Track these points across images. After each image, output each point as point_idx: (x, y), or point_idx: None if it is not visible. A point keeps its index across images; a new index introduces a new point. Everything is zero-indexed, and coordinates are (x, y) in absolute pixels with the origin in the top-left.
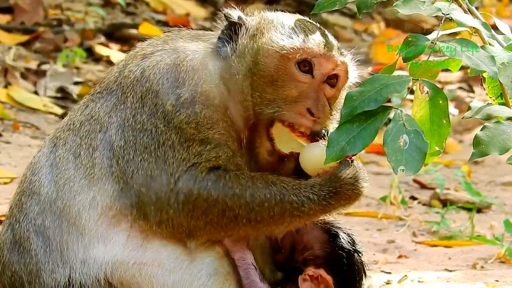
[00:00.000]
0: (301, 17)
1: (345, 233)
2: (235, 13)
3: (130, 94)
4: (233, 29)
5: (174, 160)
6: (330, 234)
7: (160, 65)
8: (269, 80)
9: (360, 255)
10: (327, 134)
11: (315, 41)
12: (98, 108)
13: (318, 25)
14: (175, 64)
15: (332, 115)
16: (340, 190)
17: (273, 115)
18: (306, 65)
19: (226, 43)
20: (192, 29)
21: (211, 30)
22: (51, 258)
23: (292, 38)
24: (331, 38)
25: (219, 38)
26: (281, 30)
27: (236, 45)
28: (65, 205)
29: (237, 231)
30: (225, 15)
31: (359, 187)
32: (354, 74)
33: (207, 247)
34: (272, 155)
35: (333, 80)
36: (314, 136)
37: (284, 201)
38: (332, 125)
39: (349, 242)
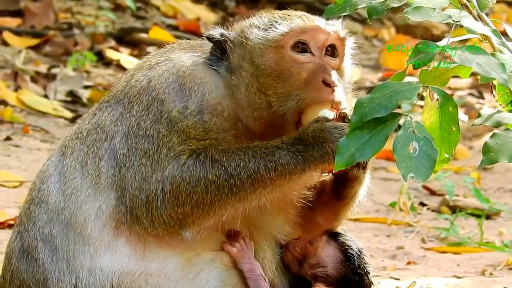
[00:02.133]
0: (276, 11)
1: (357, 252)
2: (216, 32)
3: (136, 103)
4: (220, 47)
5: (166, 158)
6: (346, 255)
7: (166, 74)
8: (275, 76)
9: (369, 276)
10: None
11: (299, 20)
12: (105, 117)
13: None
14: (180, 75)
15: (343, 86)
16: (307, 146)
17: (297, 105)
18: (301, 46)
19: (219, 62)
20: (201, 34)
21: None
22: (58, 266)
23: (277, 28)
24: (313, 16)
25: (209, 59)
26: (263, 26)
27: (229, 60)
28: (72, 214)
29: (225, 208)
30: (207, 38)
31: (324, 145)
32: (350, 41)
33: (213, 258)
34: None
35: (331, 51)
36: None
37: (256, 158)
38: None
39: (360, 263)
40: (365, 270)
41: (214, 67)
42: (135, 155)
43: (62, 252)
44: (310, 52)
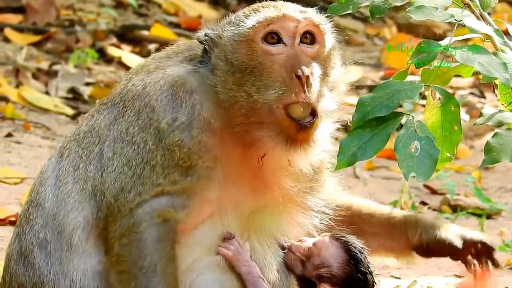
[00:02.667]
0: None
1: (360, 251)
2: (202, 33)
3: (129, 108)
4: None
5: (149, 181)
6: (350, 254)
7: (161, 82)
8: (250, 70)
9: (372, 275)
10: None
11: (266, 11)
12: (100, 120)
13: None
14: (173, 84)
15: (327, 75)
16: None
17: (277, 97)
18: (273, 37)
19: (206, 63)
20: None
21: None
22: (53, 270)
23: (245, 22)
24: (283, 4)
25: (199, 61)
26: (235, 21)
27: (210, 60)
28: (61, 221)
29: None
30: (197, 39)
31: None
32: (328, 26)
33: (210, 262)
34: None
35: (307, 38)
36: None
37: None
38: (329, 91)
39: (363, 262)
40: (369, 269)
41: (200, 71)
42: (118, 160)
43: (56, 256)
44: (283, 42)
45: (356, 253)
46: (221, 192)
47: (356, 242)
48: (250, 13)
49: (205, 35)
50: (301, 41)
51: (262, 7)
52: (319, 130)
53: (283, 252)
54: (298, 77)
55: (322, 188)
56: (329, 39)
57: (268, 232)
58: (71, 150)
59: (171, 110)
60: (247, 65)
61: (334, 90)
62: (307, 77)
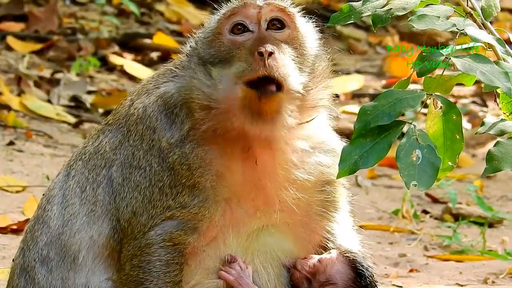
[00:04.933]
0: None
1: (367, 269)
2: (188, 46)
3: (133, 132)
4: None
5: (160, 203)
6: (357, 271)
7: (159, 102)
8: (219, 60)
9: None
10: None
11: (230, 4)
12: (106, 142)
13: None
14: (166, 102)
15: (303, 58)
16: None
17: (238, 72)
18: (239, 28)
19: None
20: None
21: None
22: (52, 284)
23: (212, 19)
24: None
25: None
26: (207, 22)
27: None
28: (67, 241)
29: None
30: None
31: None
32: (296, 10)
33: (212, 286)
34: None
35: (275, 24)
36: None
37: None
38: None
39: (371, 281)
40: (375, 284)
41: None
42: (128, 186)
43: (57, 274)
44: (249, 30)
45: (362, 270)
46: (225, 212)
47: (364, 260)
48: (218, 10)
49: (190, 46)
50: (270, 28)
51: (230, 1)
52: (291, 106)
53: (289, 272)
54: (260, 54)
55: (335, 204)
56: (301, 22)
57: (272, 253)
58: (77, 170)
59: (168, 128)
60: (216, 57)
61: (316, 75)
62: (270, 52)
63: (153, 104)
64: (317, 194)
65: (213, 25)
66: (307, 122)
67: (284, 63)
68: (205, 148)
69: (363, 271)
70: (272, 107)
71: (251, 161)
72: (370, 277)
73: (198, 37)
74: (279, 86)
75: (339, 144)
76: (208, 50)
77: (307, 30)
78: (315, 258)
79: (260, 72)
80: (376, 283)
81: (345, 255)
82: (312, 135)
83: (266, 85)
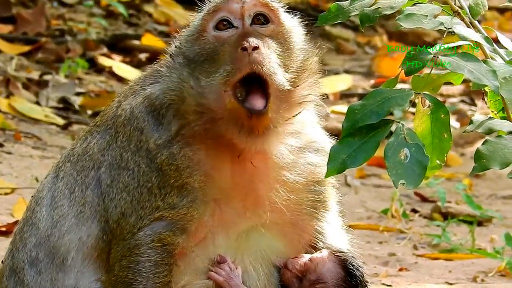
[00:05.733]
0: None
1: (358, 269)
2: (172, 47)
3: (121, 133)
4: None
5: (148, 204)
6: (347, 271)
7: (146, 103)
8: (204, 58)
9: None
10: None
11: (213, 1)
12: (93, 144)
13: None
14: (153, 104)
15: (288, 54)
16: None
17: (223, 77)
18: (224, 24)
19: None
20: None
21: None
22: (41, 286)
23: (196, 17)
24: None
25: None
26: (191, 21)
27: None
28: (56, 242)
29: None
30: (169, 55)
31: None
32: (280, 5)
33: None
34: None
35: (260, 20)
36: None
37: None
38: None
39: (361, 280)
40: (366, 284)
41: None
42: (117, 187)
43: (46, 275)
44: (234, 26)
45: (353, 270)
46: (214, 212)
47: (354, 259)
48: (202, 8)
49: (175, 46)
50: (254, 23)
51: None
52: (278, 113)
53: (279, 272)
54: (244, 49)
55: (324, 204)
56: (285, 17)
57: (262, 253)
58: (66, 172)
59: (156, 129)
60: (201, 55)
61: (302, 70)
62: (255, 47)
63: (140, 105)
64: (307, 194)
65: (197, 22)
66: (294, 116)
67: (269, 57)
68: (194, 148)
69: (354, 270)
70: (264, 124)
71: (241, 162)
72: (360, 277)
73: (183, 36)
74: (266, 96)
75: (328, 143)
76: (192, 48)
77: (292, 25)
78: (305, 257)
79: (244, 70)
80: (367, 283)
81: (335, 254)
82: (302, 133)
83: (254, 87)
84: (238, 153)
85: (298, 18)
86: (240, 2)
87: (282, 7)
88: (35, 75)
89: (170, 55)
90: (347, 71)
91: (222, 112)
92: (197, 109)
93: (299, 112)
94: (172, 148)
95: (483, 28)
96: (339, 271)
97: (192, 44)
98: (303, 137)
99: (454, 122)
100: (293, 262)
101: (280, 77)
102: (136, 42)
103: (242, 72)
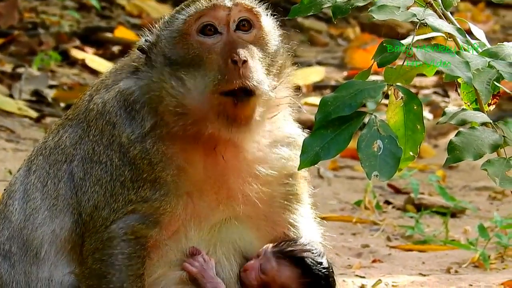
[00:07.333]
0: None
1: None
2: (142, 40)
3: (93, 127)
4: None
5: (121, 197)
6: (302, 265)
7: (118, 97)
8: (187, 63)
9: (333, 273)
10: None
11: (198, 4)
12: (66, 137)
13: None
14: (126, 98)
15: (269, 57)
16: None
17: (213, 84)
18: (209, 29)
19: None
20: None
21: None
22: (15, 280)
23: (178, 18)
24: None
25: (143, 70)
26: (168, 20)
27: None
28: (29, 235)
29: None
30: (138, 49)
31: None
32: (262, 9)
33: (175, 279)
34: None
35: (245, 26)
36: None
37: None
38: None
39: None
40: (325, 268)
41: (145, 80)
42: (90, 181)
43: (19, 268)
44: (218, 32)
45: (302, 261)
46: (187, 205)
47: (300, 251)
48: (182, 8)
49: (146, 41)
50: (238, 29)
51: (190, 2)
52: (263, 109)
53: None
54: (234, 62)
55: (297, 197)
56: (266, 21)
57: (235, 245)
58: (39, 165)
59: (128, 123)
60: (185, 59)
61: (280, 72)
62: (244, 61)
63: (112, 99)
64: (280, 187)
65: (180, 25)
66: (270, 118)
67: (256, 69)
68: (167, 143)
69: (303, 260)
70: (247, 112)
71: (213, 156)
72: (312, 263)
73: (162, 34)
74: (252, 92)
75: (301, 136)
76: (174, 50)
77: (271, 28)
78: (256, 269)
79: (236, 84)
80: (332, 271)
81: (282, 254)
82: (275, 130)
83: (241, 93)
84: (213, 145)
85: (274, 15)
86: (226, 9)
87: (263, 10)
88: (8, 68)
89: (143, 50)
90: (319, 63)
91: (207, 110)
92: (177, 110)
93: (278, 113)
94: (145, 143)
95: (456, 19)
96: (296, 270)
97: (174, 46)
98: (275, 131)
99: (427, 114)
100: (248, 276)
101: (265, 86)
102: (109, 34)
103: (233, 85)
